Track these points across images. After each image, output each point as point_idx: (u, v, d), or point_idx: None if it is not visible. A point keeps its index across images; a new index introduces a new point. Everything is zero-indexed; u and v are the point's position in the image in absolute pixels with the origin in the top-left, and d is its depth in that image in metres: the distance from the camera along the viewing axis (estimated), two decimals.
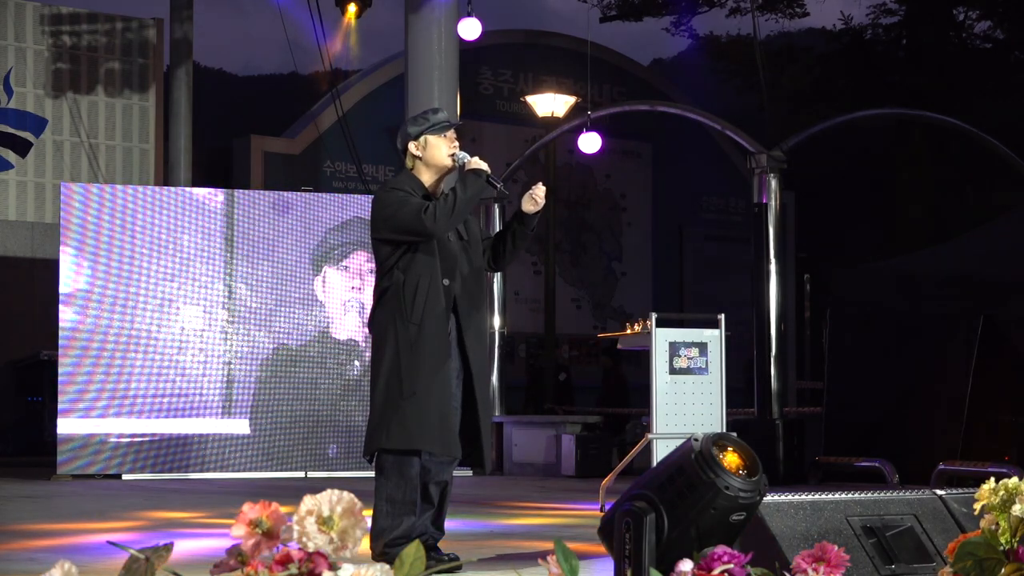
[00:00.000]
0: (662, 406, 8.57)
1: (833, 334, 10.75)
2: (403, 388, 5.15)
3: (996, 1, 20.13)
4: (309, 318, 12.02)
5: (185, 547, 5.87)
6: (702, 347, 8.70)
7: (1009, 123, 18.41)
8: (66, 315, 11.40)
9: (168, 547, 2.01)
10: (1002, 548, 3.00)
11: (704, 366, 8.68)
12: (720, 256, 21.88)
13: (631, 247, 21.54)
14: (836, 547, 2.78)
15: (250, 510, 1.96)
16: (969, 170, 20.50)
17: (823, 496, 4.16)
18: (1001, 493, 3.02)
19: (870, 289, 10.72)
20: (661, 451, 8.26)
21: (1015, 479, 3.05)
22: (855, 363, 10.50)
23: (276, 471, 11.78)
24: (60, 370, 11.44)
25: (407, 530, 5.14)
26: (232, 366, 11.80)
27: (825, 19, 27.56)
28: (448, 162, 5.37)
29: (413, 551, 2.07)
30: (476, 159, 5.34)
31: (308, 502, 1.97)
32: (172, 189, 12.70)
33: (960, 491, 4.44)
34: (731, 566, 2.79)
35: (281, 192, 12.66)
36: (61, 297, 11.43)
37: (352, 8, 15.57)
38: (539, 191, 5.39)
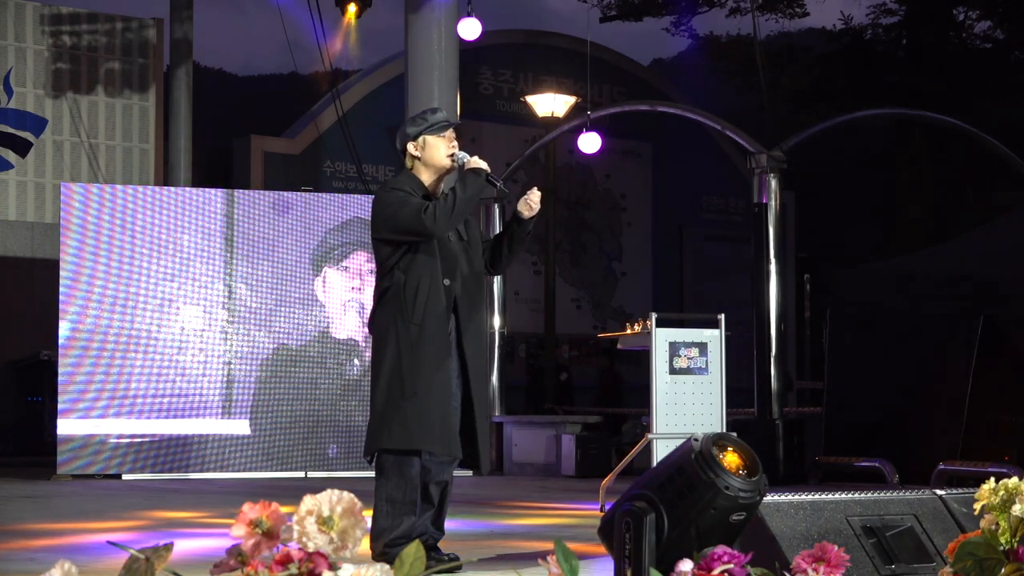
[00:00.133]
0: (662, 406, 8.57)
1: (833, 334, 10.75)
2: (404, 388, 5.16)
3: (996, 1, 20.13)
4: (309, 318, 12.02)
5: (185, 547, 5.87)
6: (702, 347, 8.70)
7: (1009, 123, 18.40)
8: (66, 315, 11.40)
9: (168, 547, 2.01)
10: (1002, 548, 3.00)
11: (704, 366, 8.68)
12: (720, 256, 21.88)
13: (631, 247, 21.54)
14: (836, 547, 2.78)
15: (250, 510, 1.96)
16: (969, 170, 20.50)
17: (823, 496, 4.16)
18: (1001, 493, 3.02)
19: (870, 289, 10.71)
20: (661, 451, 8.26)
21: (1015, 479, 3.05)
22: (855, 363, 10.49)
23: (276, 471, 11.78)
24: (60, 370, 11.45)
25: (407, 530, 5.14)
26: (232, 366, 11.80)
27: (825, 19, 27.57)
28: (447, 162, 5.37)
29: (413, 551, 2.07)
30: (475, 158, 5.34)
31: (308, 502, 1.96)
32: (172, 189, 12.70)
33: (960, 491, 4.43)
34: (731, 566, 2.79)
35: (281, 192, 12.66)
36: (61, 297, 11.43)
37: (352, 8, 15.57)
38: (534, 196, 5.39)
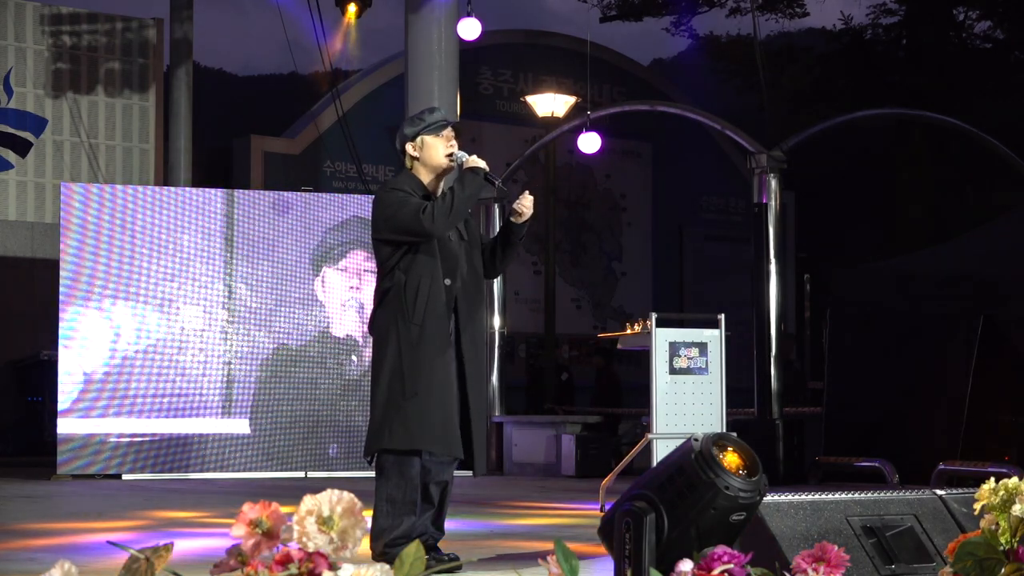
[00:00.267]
0: (662, 406, 8.57)
1: (833, 334, 10.75)
2: (405, 388, 5.15)
3: (996, 1, 20.13)
4: (309, 318, 12.02)
5: (185, 547, 5.87)
6: (702, 347, 8.70)
7: (1009, 123, 18.40)
8: (66, 315, 11.40)
9: (168, 547, 2.01)
10: (1002, 548, 3.00)
11: (704, 366, 8.68)
12: (720, 256, 21.88)
13: (631, 247, 21.54)
14: (836, 547, 2.77)
15: (250, 510, 1.96)
16: (969, 170, 20.50)
17: (823, 496, 4.16)
18: (1001, 493, 3.02)
19: (870, 289, 10.71)
20: (661, 451, 8.26)
21: (1015, 479, 3.05)
22: (855, 363, 10.49)
23: (276, 471, 11.78)
24: (60, 370, 11.45)
25: (407, 530, 5.14)
26: (232, 366, 11.80)
27: (825, 19, 27.54)
28: (445, 162, 5.36)
29: (413, 551, 2.07)
30: (474, 157, 5.34)
31: (308, 502, 1.96)
32: (172, 189, 12.70)
33: (960, 491, 4.43)
34: (731, 566, 2.79)
35: (281, 192, 12.66)
36: (61, 297, 11.43)
37: (352, 8, 15.58)
38: (526, 201, 5.39)
